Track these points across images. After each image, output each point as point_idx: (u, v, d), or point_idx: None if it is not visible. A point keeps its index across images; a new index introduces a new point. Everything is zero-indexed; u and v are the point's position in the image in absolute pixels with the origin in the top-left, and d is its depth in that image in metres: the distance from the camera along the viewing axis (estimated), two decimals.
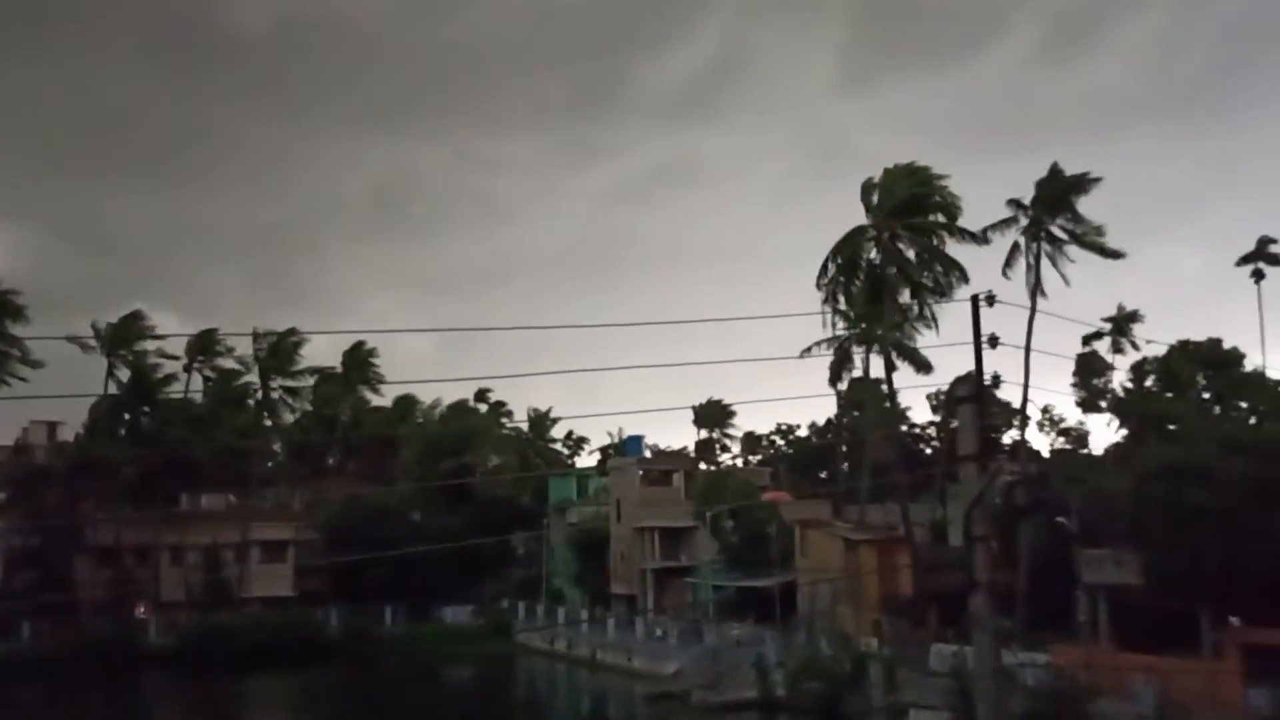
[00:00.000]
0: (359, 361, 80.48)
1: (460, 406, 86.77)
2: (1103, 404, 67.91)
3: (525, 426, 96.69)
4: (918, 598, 49.06)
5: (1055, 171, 49.67)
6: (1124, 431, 66.08)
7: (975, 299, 10.38)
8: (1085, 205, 49.07)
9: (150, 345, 73.00)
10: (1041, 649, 38.78)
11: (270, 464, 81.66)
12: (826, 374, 62.88)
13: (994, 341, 10.65)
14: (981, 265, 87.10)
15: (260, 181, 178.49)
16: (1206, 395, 50.98)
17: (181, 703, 54.96)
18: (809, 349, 56.60)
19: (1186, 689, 31.95)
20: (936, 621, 45.79)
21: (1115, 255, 49.26)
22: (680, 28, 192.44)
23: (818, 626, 50.86)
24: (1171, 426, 46.76)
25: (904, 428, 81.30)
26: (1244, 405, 49.17)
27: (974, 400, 10.38)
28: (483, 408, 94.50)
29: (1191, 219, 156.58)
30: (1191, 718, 27.60)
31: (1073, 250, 49.48)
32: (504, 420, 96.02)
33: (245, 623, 62.56)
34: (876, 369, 58.12)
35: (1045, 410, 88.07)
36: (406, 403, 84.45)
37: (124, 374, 71.88)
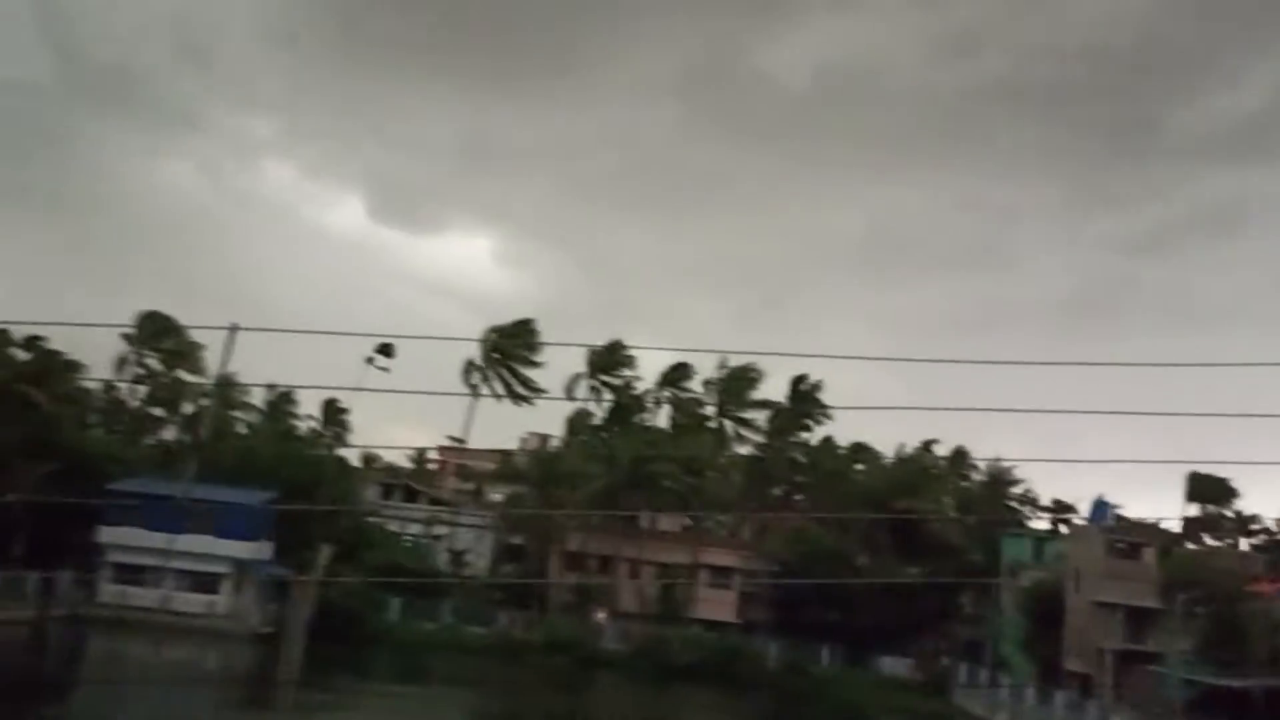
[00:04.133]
0: (804, 395, 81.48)
1: (914, 456, 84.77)
2: None
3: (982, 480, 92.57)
4: None
5: None
6: None
7: None
8: None
9: (626, 372, 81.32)
10: None
11: (722, 491, 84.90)
12: None
13: None
14: None
15: (760, 217, 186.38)
16: None
17: (628, 705, 58.66)
18: None
19: None
20: None
21: None
22: (1227, 69, 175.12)
23: None
24: None
25: None
26: None
27: None
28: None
29: None
30: None
31: None
32: (964, 474, 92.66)
33: (690, 640, 65.50)
34: None
35: None
36: (859, 447, 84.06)
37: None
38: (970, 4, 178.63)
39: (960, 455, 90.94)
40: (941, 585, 71.96)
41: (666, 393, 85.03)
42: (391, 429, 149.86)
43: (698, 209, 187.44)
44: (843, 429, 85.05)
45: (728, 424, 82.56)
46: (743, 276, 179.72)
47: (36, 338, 63.59)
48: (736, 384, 78.40)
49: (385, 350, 66.06)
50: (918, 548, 74.32)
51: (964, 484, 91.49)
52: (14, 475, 57.29)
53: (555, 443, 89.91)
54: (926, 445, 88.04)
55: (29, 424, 58.63)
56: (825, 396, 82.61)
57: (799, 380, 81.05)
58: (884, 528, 73.23)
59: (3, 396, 57.07)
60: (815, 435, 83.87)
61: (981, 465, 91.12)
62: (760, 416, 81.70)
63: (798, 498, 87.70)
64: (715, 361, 79.51)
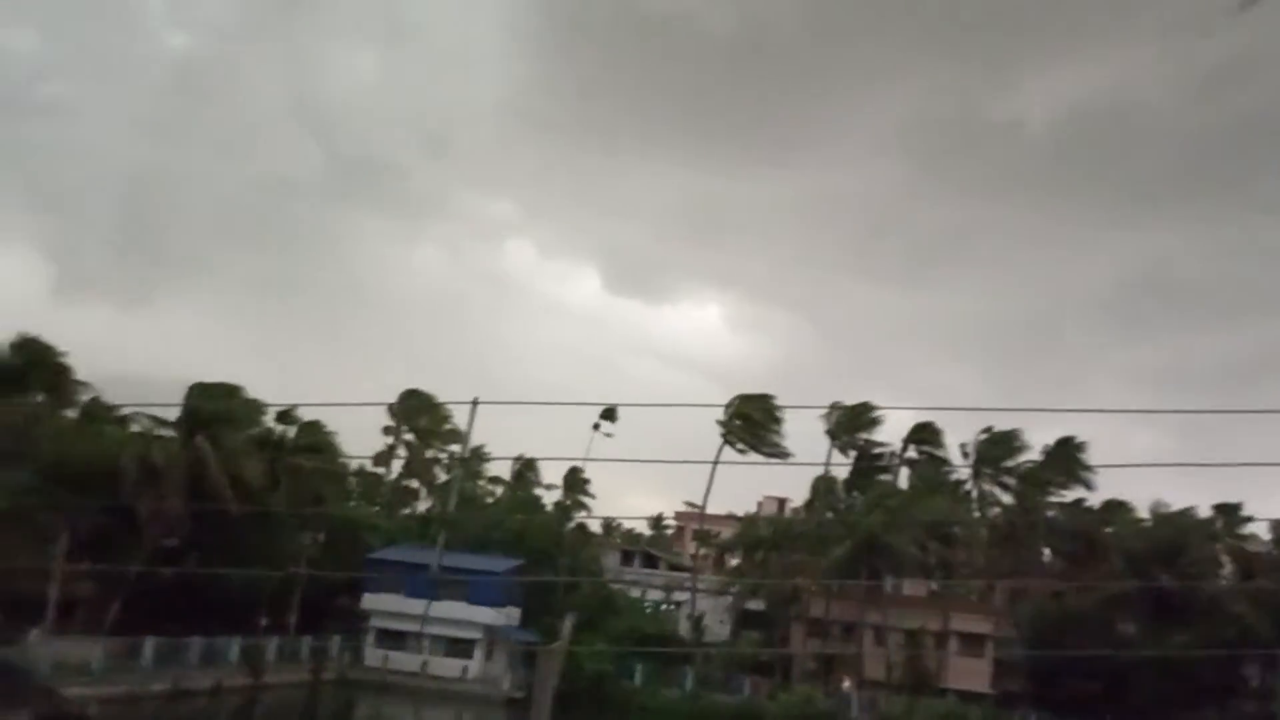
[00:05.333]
0: (1064, 456, 76.89)
1: (1180, 514, 78.35)
2: None
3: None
4: None
5: None
6: None
7: None
8: None
9: (870, 433, 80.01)
10: None
11: (971, 555, 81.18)
12: None
13: None
14: None
15: (1005, 271, 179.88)
16: None
17: None
18: None
19: None
20: None
21: None
22: None
23: None
24: None
25: None
26: None
27: None
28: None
29: None
30: None
31: None
32: (1240, 533, 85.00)
33: (942, 711, 62.56)
34: None
35: None
36: (1114, 505, 78.55)
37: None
38: (1229, 34, 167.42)
39: (1235, 512, 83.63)
40: (1220, 656, 66.09)
41: (912, 454, 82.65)
42: (631, 496, 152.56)
43: (936, 266, 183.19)
44: (1102, 489, 79.84)
45: (977, 486, 79.27)
46: (988, 333, 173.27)
47: (292, 413, 68.07)
48: (996, 448, 75.72)
49: (609, 415, 67.74)
50: (1189, 614, 68.48)
51: (1242, 544, 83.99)
52: (289, 545, 61.66)
53: (793, 506, 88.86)
54: (1220, 508, 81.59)
55: (301, 496, 62.92)
56: (1084, 455, 78.04)
57: (1064, 441, 76.87)
58: (1149, 592, 67.98)
59: (278, 470, 61.32)
60: (1071, 495, 79.12)
61: (1265, 524, 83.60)
62: (1014, 478, 77.91)
63: (1050, 560, 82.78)
64: (969, 422, 76.77)
